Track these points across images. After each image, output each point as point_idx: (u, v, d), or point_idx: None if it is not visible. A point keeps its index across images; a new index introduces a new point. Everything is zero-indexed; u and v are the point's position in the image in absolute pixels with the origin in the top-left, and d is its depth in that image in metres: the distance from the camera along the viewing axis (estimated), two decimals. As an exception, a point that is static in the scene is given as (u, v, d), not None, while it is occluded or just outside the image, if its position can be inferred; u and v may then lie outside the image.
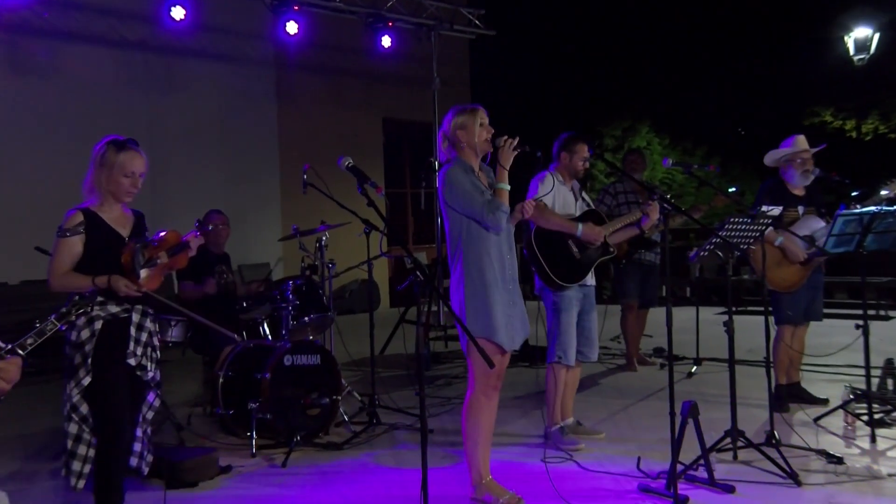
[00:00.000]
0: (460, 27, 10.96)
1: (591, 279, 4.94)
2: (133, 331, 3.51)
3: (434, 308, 8.58)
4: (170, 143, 10.25)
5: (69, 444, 3.42)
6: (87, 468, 3.42)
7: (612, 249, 4.98)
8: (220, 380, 5.19)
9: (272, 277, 7.39)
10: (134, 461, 3.54)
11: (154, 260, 3.55)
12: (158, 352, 3.65)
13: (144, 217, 3.71)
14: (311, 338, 5.60)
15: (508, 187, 3.84)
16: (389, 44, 10.19)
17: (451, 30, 10.76)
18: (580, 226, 4.82)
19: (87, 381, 3.38)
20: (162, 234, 3.64)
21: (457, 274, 3.87)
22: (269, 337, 5.79)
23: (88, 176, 3.52)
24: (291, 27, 9.43)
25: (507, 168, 3.83)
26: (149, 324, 3.59)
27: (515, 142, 3.82)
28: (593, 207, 5.12)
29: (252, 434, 4.90)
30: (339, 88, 12.64)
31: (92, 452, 3.43)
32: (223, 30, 10.86)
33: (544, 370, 4.95)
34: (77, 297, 2.81)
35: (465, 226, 3.84)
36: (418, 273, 4.51)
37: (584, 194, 5.11)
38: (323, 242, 6.00)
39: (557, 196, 4.88)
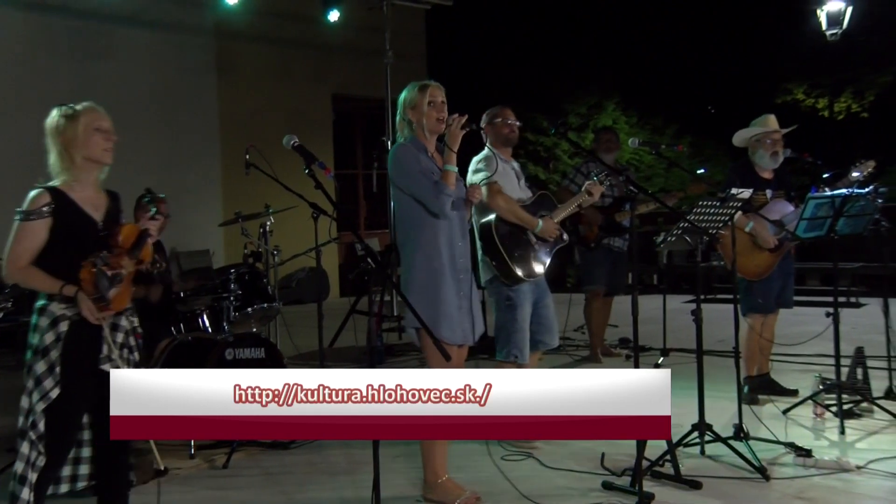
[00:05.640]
0: (415, -4, 10.96)
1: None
2: (107, 331, 3.21)
3: (387, 298, 8.59)
4: (98, 120, 10.03)
5: (20, 467, 3.12)
6: (32, 496, 3.14)
7: (565, 238, 5.00)
8: (156, 376, 5.15)
9: (212, 265, 7.34)
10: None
11: (119, 274, 3.17)
12: (137, 353, 3.34)
13: (120, 198, 3.37)
14: (254, 330, 5.57)
15: (455, 170, 3.83)
16: (338, 16, 10.11)
17: (406, -1, 10.74)
18: (540, 222, 4.77)
19: (55, 392, 3.10)
20: (117, 234, 3.24)
21: (406, 260, 3.89)
22: (210, 329, 5.75)
23: (53, 156, 3.20)
24: (233, -7, 9.35)
25: (455, 149, 3.80)
26: (124, 321, 3.30)
27: (463, 120, 3.79)
28: (537, 189, 5.12)
29: (191, 434, 4.88)
30: (286, 61, 12.52)
31: (35, 477, 3.14)
32: (157, -6, 10.68)
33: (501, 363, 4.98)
34: None
35: (413, 209, 3.86)
36: (370, 260, 4.52)
37: (522, 171, 5.10)
38: (267, 228, 5.97)
39: (504, 177, 4.79)
